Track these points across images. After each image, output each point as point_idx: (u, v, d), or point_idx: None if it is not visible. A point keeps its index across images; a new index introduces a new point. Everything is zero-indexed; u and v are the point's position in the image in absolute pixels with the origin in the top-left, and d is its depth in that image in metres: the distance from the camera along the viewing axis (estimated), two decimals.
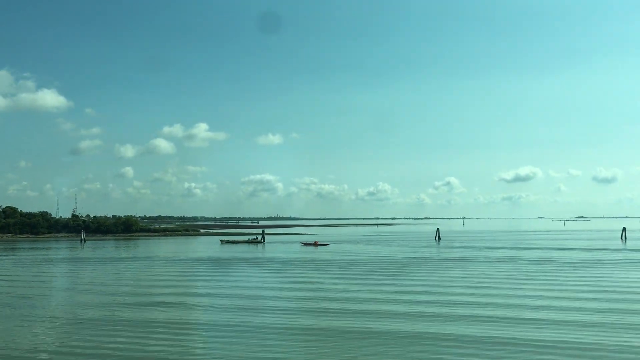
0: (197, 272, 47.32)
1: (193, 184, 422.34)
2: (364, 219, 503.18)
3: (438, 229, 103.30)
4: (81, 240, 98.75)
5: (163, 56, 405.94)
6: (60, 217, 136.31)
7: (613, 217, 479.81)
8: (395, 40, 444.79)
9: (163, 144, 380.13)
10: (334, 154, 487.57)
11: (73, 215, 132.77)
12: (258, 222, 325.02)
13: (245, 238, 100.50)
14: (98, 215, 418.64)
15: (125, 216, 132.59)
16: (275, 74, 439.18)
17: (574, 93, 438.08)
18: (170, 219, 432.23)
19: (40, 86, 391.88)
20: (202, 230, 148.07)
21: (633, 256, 61.70)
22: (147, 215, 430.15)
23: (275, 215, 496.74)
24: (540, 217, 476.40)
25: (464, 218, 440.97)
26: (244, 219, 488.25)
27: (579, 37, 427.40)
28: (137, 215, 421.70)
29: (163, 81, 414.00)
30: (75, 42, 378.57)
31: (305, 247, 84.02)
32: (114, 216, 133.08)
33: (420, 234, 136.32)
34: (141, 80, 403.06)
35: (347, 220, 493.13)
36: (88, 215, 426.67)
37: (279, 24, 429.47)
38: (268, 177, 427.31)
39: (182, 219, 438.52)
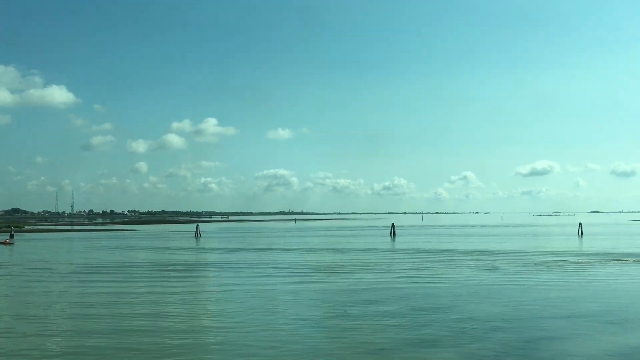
0: None
1: (209, 179, 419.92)
2: (379, 213, 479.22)
3: (198, 225, 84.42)
4: None
5: (168, 51, 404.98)
6: None
7: (632, 212, 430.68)
8: (409, 35, 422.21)
9: (175, 139, 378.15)
10: (346, 149, 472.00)
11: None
12: (228, 217, 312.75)
13: None
14: (115, 210, 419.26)
15: None
16: (282, 68, 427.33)
17: (591, 86, 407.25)
18: (176, 214, 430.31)
19: (48, 82, 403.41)
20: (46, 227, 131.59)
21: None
22: (153, 211, 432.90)
23: (289, 210, 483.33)
24: (556, 212, 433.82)
25: (422, 213, 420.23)
26: (256, 214, 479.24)
27: (598, 30, 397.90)
28: (140, 211, 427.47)
29: (169, 76, 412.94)
30: (81, 39, 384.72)
31: None
32: None
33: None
34: (147, 76, 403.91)
35: (362, 215, 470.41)
36: (91, 211, 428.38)
37: (288, 19, 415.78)
38: (282, 171, 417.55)
39: (188, 214, 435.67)
